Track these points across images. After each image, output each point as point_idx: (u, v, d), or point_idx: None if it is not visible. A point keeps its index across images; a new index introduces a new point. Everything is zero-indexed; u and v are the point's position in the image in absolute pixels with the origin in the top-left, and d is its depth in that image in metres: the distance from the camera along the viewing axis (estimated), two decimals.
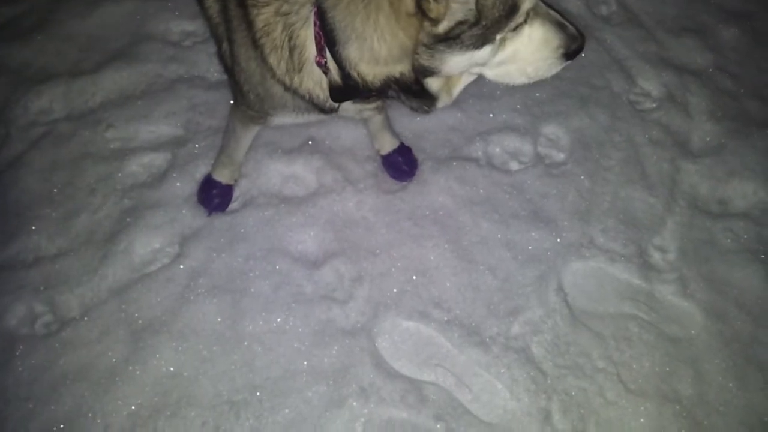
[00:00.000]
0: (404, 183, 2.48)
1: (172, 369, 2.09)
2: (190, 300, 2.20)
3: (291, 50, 1.60)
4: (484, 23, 1.38)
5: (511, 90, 2.72)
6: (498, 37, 1.43)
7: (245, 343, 2.13)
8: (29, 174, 2.43)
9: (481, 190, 2.46)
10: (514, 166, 2.57)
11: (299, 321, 2.17)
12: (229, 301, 2.20)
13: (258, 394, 2.05)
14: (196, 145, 2.51)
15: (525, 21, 1.46)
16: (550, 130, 2.67)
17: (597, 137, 2.66)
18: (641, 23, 3.09)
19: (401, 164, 2.47)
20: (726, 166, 2.60)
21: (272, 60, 1.64)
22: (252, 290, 2.22)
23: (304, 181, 2.48)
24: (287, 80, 1.67)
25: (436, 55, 1.43)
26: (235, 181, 2.41)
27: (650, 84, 2.87)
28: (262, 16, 1.59)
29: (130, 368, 2.09)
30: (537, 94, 2.74)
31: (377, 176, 2.50)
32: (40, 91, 2.64)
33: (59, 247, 2.29)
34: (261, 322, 2.17)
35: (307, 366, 2.10)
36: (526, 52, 1.51)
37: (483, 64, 1.50)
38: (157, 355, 2.10)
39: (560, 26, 1.54)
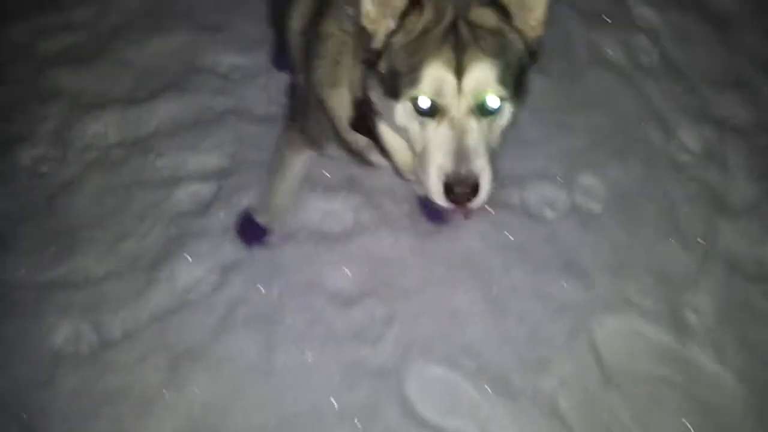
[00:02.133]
0: (440, 226, 2.52)
1: (206, 398, 2.16)
2: (227, 330, 2.27)
3: None
4: (390, 67, 1.45)
5: (546, 137, 2.77)
6: (402, 96, 1.42)
7: (277, 377, 2.19)
8: (82, 197, 2.54)
9: (515, 237, 2.49)
10: (548, 214, 2.60)
11: (330, 358, 2.23)
12: (264, 333, 2.27)
13: (287, 429, 2.11)
14: (241, 177, 2.60)
15: (434, 115, 1.42)
16: (586, 179, 2.69)
17: (633, 189, 2.67)
18: (683, 75, 3.10)
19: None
20: (763, 226, 2.59)
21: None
22: (286, 323, 2.29)
23: (343, 219, 2.54)
24: None
25: (369, 82, 1.53)
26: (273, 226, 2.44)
27: (689, 138, 2.87)
28: None
29: (166, 394, 2.16)
30: (573, 143, 2.77)
31: (413, 217, 2.55)
32: (97, 116, 2.76)
33: (106, 269, 2.39)
34: (293, 356, 2.23)
35: (335, 404, 2.15)
36: (429, 150, 1.44)
37: (404, 130, 1.49)
38: (192, 383, 2.18)
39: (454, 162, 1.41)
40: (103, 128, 2.75)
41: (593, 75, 3.01)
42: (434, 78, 1.39)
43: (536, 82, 2.84)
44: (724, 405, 2.21)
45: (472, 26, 1.43)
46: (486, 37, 1.42)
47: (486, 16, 1.46)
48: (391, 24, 1.48)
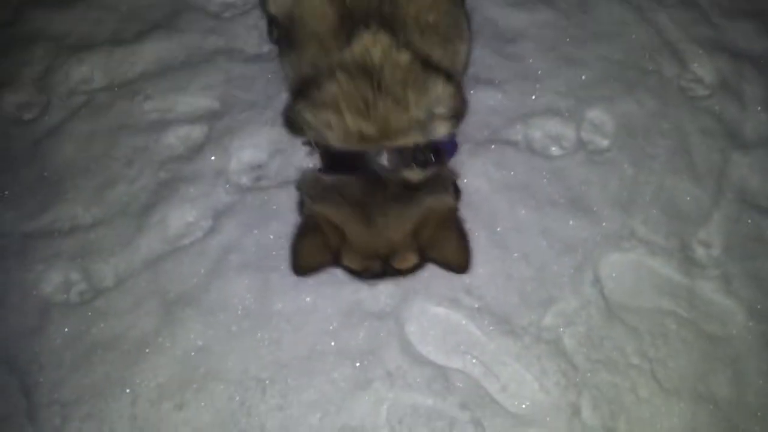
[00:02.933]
0: None
1: (200, 343, 2.10)
2: (220, 275, 2.21)
3: None
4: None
5: (555, 71, 2.63)
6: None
7: (273, 321, 2.13)
8: (68, 143, 2.45)
9: (519, 176, 2.39)
10: (555, 151, 2.49)
11: (328, 301, 2.16)
12: (260, 278, 2.20)
13: (284, 372, 2.06)
14: (232, 119, 2.50)
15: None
16: (595, 114, 2.56)
17: (644, 124, 2.54)
18: (696, 4, 2.93)
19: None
20: None
21: None
22: (282, 268, 2.21)
23: None
24: None
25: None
26: None
27: (703, 69, 2.73)
28: None
29: (160, 340, 2.11)
30: (583, 77, 2.63)
31: None
32: (81, 59, 2.64)
33: (95, 216, 2.32)
34: (290, 301, 2.16)
35: (334, 347, 2.09)
36: None
37: None
38: (187, 329, 2.12)
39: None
40: (89, 72, 2.63)
41: (603, 6, 2.84)
42: None
43: (544, 14, 2.77)
44: (732, 337, 2.14)
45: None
46: None
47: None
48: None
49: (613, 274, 2.24)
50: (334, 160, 1.83)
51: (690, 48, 2.76)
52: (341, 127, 1.74)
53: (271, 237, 2.27)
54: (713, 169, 2.44)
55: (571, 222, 2.30)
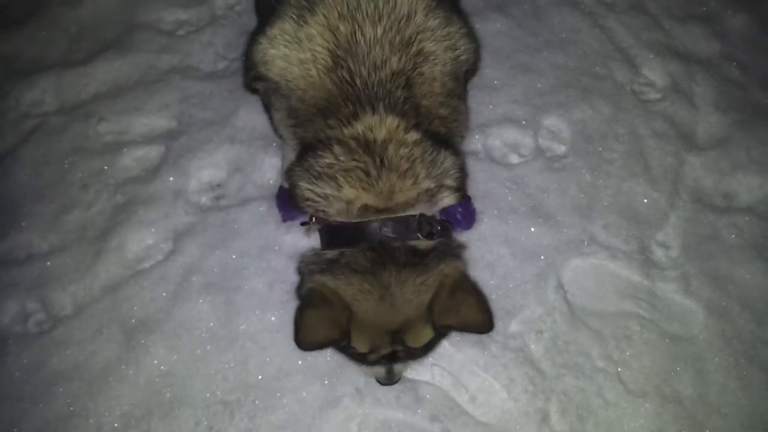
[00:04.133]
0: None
1: (164, 368, 2.07)
2: (183, 298, 2.17)
3: None
4: None
5: (511, 80, 2.66)
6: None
7: (239, 342, 2.10)
8: (20, 168, 2.40)
9: (481, 185, 2.40)
10: (513, 159, 2.51)
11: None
12: (223, 299, 2.17)
13: (252, 394, 2.04)
14: (190, 138, 2.46)
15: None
16: (552, 122, 2.60)
17: (599, 129, 2.59)
18: (646, 10, 3.00)
19: (457, 213, 2.04)
20: (731, 159, 2.53)
21: None
22: (246, 288, 2.19)
23: None
24: None
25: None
26: None
27: (655, 73, 2.79)
28: None
29: (123, 367, 2.07)
30: (538, 85, 2.67)
31: None
32: (32, 82, 2.59)
33: (51, 243, 2.27)
34: (255, 321, 2.14)
35: (301, 365, 2.07)
36: None
37: None
38: (150, 354, 2.09)
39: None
40: (39, 95, 2.58)
41: (555, 14, 2.89)
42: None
43: (498, 24, 2.80)
44: (692, 336, 2.18)
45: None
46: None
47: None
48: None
49: (576, 280, 2.27)
50: (335, 234, 1.76)
51: (641, 53, 2.83)
52: (340, 199, 1.69)
53: (234, 257, 2.24)
54: (668, 172, 2.50)
55: (532, 229, 2.32)
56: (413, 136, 1.68)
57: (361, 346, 1.68)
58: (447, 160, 1.75)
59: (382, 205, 1.68)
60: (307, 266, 1.80)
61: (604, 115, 2.62)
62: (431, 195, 1.74)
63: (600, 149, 2.53)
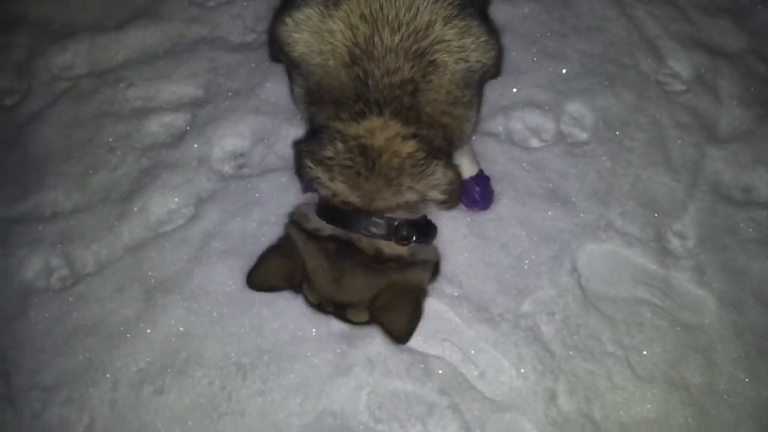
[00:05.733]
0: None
1: (181, 329, 2.12)
2: (203, 261, 2.22)
3: None
4: None
5: (536, 65, 2.67)
6: None
7: (255, 308, 2.15)
8: (49, 129, 2.45)
9: (500, 167, 2.42)
10: (534, 143, 2.52)
11: None
12: (242, 265, 2.20)
13: (265, 357, 2.08)
14: (216, 107, 2.51)
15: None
16: (574, 108, 2.60)
17: (622, 117, 2.59)
18: (674, 2, 2.97)
19: (475, 193, 2.30)
20: (753, 153, 2.52)
21: None
22: None
23: None
24: None
25: None
26: None
27: (680, 65, 2.78)
28: None
29: (141, 325, 2.12)
30: (563, 71, 2.67)
31: None
32: (64, 46, 2.64)
33: (76, 203, 2.32)
34: None
35: (315, 333, 2.11)
36: None
37: None
38: (168, 314, 2.14)
39: None
40: (71, 59, 2.63)
41: (584, 1, 2.87)
42: None
43: (527, 9, 2.81)
44: (704, 326, 2.18)
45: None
46: None
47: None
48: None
49: (590, 264, 2.28)
50: (325, 209, 1.84)
51: (667, 44, 2.81)
52: (330, 188, 1.76)
53: (254, 224, 2.29)
54: (688, 163, 2.49)
55: (549, 212, 2.34)
56: (408, 147, 1.71)
57: (310, 299, 1.85)
58: (437, 173, 1.76)
59: (361, 205, 1.75)
60: (296, 215, 1.91)
61: (627, 103, 2.62)
62: (410, 207, 1.78)
63: (621, 137, 2.53)
